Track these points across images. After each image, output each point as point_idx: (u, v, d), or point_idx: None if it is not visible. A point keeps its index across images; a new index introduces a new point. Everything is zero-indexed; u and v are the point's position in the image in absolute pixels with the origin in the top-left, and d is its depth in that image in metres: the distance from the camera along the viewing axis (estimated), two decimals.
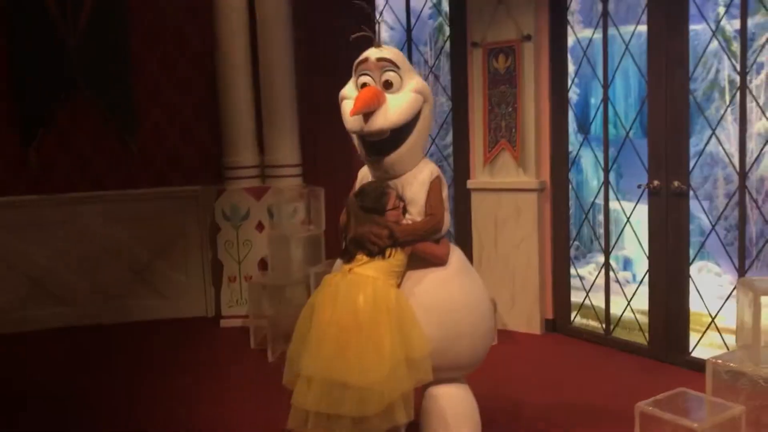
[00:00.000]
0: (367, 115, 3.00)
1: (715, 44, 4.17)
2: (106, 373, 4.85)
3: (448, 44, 5.71)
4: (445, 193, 3.21)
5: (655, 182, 4.46)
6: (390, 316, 2.90)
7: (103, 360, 5.15)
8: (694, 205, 4.37)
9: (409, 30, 5.91)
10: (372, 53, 3.13)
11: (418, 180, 3.15)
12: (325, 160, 5.98)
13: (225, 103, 5.84)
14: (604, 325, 4.97)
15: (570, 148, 5.09)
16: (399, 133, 3.07)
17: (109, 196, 5.98)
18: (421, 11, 5.88)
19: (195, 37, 6.01)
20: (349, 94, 3.15)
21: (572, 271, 5.16)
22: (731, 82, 4.15)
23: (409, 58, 5.90)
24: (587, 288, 5.11)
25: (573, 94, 5.09)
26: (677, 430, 3.03)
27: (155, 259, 6.11)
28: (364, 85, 3.11)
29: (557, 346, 5.05)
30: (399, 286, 3.08)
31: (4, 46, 5.75)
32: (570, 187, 5.14)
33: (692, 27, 4.22)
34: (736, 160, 4.12)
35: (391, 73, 3.07)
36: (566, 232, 5.17)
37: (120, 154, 6.01)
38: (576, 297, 5.16)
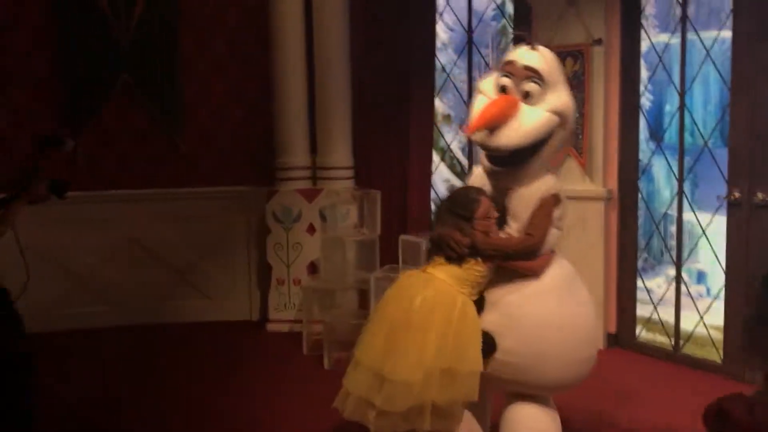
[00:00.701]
0: (494, 128, 2.84)
1: None
2: (149, 375, 4.71)
3: (510, 47, 5.55)
4: (558, 213, 2.99)
5: (736, 193, 4.29)
6: (447, 322, 2.81)
7: (146, 361, 5.01)
8: None
9: (470, 31, 5.76)
10: (521, 57, 2.92)
11: (528, 195, 2.94)
12: (378, 163, 5.82)
13: (278, 104, 5.68)
14: (673, 341, 4.79)
15: (640, 156, 4.93)
16: (523, 152, 2.88)
17: (155, 195, 5.83)
18: (483, 13, 5.74)
19: (248, 36, 5.87)
20: (486, 91, 2.98)
21: (639, 283, 4.98)
22: None
23: (469, 60, 5.77)
24: (655, 301, 4.92)
25: (645, 101, 4.93)
26: None
27: (200, 260, 5.96)
28: (503, 88, 2.91)
29: (621, 362, 4.84)
30: (481, 294, 2.95)
31: (55, 42, 5.64)
32: (639, 196, 4.96)
33: None
34: None
35: (533, 85, 2.87)
36: (634, 243, 4.99)
37: (167, 153, 5.88)
38: (642, 311, 4.98)
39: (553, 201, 2.95)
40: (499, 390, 3.15)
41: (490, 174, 3.03)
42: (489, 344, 2.92)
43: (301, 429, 3.86)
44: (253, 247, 5.98)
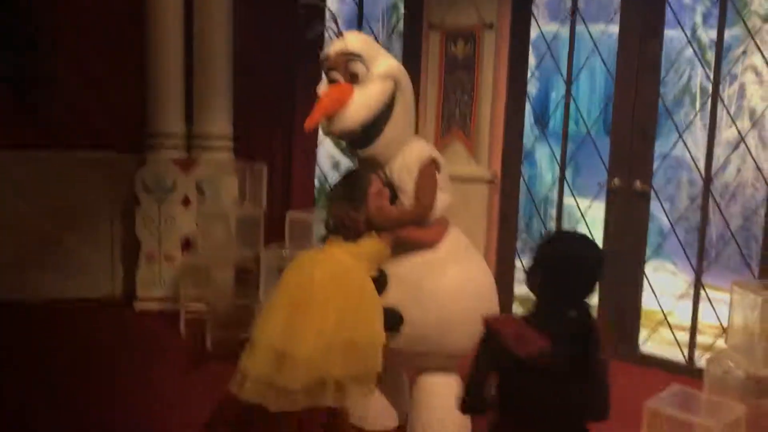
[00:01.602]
0: (332, 116, 2.93)
1: (689, 51, 4.30)
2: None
3: (401, 24, 5.51)
4: (440, 176, 3.12)
5: (616, 181, 4.55)
6: (346, 296, 2.82)
7: None
8: (654, 205, 4.51)
9: (360, 4, 5.64)
10: (332, 48, 3.02)
11: (405, 165, 3.06)
12: (260, 136, 5.58)
13: (151, 66, 5.24)
14: None
15: (525, 141, 5.09)
16: (372, 127, 2.98)
17: (7, 158, 5.21)
18: None
19: None
20: (323, 92, 3.04)
21: (518, 263, 5.17)
22: (703, 89, 4.31)
23: None
24: None
25: (532, 88, 5.08)
26: (687, 428, 3.09)
27: (55, 230, 5.38)
28: (332, 81, 3.00)
29: None
30: (382, 271, 3.00)
31: None
32: (522, 180, 5.13)
33: (667, 32, 4.33)
34: (701, 165, 4.28)
35: (355, 65, 2.97)
36: (514, 225, 5.16)
37: (23, 112, 5.24)
38: (519, 290, 5.18)
39: (432, 164, 3.08)
40: (410, 367, 3.24)
41: (361, 161, 3.13)
42: (395, 319, 2.99)
43: (192, 416, 3.62)
44: (118, 218, 5.52)
